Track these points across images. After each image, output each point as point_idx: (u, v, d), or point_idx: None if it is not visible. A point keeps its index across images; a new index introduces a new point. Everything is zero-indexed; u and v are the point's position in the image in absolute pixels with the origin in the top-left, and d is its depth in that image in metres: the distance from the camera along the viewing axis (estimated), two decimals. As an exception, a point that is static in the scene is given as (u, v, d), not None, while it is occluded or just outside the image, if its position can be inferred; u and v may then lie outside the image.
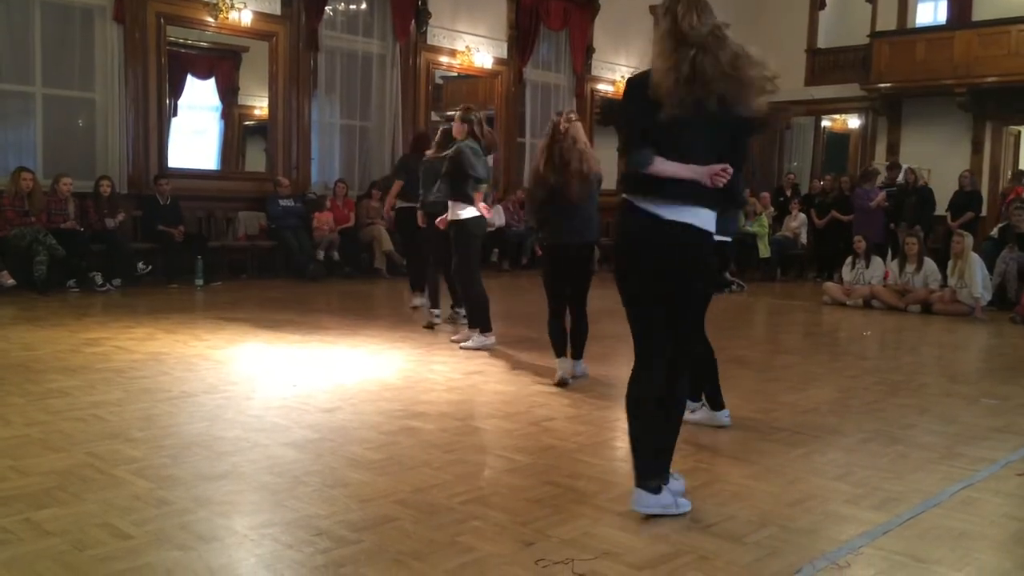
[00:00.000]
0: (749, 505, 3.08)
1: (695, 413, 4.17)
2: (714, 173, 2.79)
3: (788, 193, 13.78)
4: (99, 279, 8.44)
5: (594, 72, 14.30)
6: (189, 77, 11.20)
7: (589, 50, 14.09)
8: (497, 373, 5.28)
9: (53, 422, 3.85)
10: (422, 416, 4.19)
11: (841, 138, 17.32)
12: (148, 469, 3.26)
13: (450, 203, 6.00)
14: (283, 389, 4.68)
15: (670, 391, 2.99)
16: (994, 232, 10.61)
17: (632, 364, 3.00)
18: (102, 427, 3.80)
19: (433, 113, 12.64)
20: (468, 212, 5.91)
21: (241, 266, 10.19)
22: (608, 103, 14.58)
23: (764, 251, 12.40)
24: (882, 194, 11.79)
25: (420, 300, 7.71)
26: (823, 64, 16.46)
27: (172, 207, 9.41)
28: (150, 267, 9.12)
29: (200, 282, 9.12)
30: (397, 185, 7.66)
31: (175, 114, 10.57)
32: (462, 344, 6.03)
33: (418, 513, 2.90)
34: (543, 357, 5.59)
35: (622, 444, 3.81)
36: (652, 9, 2.80)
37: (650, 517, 2.90)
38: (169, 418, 4.02)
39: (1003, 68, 13.78)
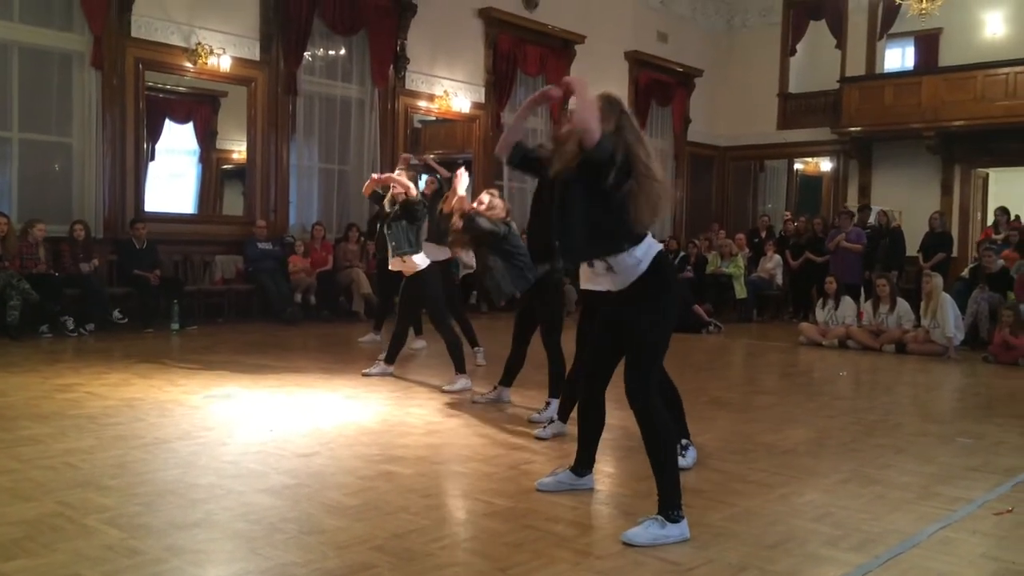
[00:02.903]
0: (729, 548, 3.08)
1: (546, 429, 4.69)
2: None
3: (763, 234, 13.95)
4: (71, 324, 8.35)
5: (570, 116, 14.46)
6: (167, 121, 11.22)
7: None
8: (475, 416, 5.26)
9: (23, 470, 3.78)
10: (400, 460, 4.16)
11: (814, 180, 17.62)
12: (120, 518, 3.20)
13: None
14: (259, 434, 4.62)
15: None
16: (965, 272, 10.80)
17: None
18: (73, 475, 3.74)
19: (412, 156, 12.69)
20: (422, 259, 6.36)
21: (218, 310, 10.12)
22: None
23: (740, 292, 12.53)
24: (839, 236, 11.94)
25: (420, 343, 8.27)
26: (795, 108, 16.82)
27: (148, 251, 9.37)
28: (126, 319, 9.03)
29: (176, 326, 9.04)
30: None
31: (152, 158, 10.55)
32: (445, 388, 6.04)
33: (396, 560, 2.86)
34: (521, 399, 5.59)
35: (602, 487, 3.80)
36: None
37: (633, 559, 2.88)
38: (142, 465, 3.96)
39: (970, 112, 14.12)
